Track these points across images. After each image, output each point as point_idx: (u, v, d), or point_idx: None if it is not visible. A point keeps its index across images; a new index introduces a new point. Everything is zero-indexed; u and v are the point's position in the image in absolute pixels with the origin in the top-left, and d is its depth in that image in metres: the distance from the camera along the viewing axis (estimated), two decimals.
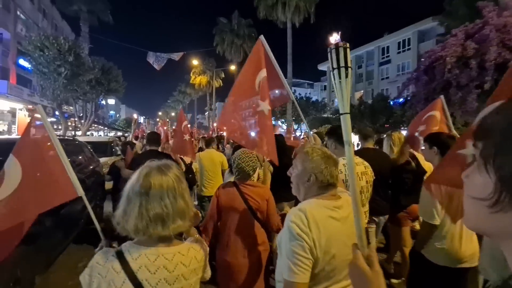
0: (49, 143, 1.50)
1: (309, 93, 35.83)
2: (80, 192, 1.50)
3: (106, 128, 32.05)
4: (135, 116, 10.89)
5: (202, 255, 1.10)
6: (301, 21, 18.58)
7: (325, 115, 27.82)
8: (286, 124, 28.78)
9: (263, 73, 2.19)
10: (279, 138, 3.28)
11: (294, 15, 17.94)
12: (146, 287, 0.93)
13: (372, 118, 21.37)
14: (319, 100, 32.10)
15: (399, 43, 32.87)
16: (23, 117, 9.87)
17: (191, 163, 4.61)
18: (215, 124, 15.54)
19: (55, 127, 18.13)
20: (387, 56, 34.42)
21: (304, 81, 52.83)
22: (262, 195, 2.08)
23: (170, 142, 5.42)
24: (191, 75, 33.31)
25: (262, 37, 2.29)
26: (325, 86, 42.18)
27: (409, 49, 31.47)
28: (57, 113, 14.70)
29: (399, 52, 32.86)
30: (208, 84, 33.10)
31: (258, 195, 2.06)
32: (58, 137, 1.67)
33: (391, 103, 21.93)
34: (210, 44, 26.68)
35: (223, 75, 32.91)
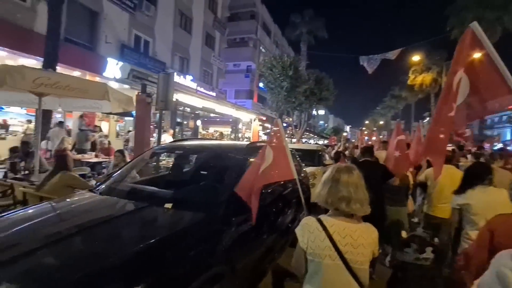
0: (283, 143, 2.44)
1: None
2: (295, 176, 2.39)
3: (315, 136, 34.62)
4: (344, 134, 10.06)
5: (377, 234, 1.39)
6: None
7: None
8: None
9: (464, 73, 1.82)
10: None
11: None
12: (339, 245, 1.29)
13: None
14: None
15: None
16: (255, 125, 12.30)
17: None
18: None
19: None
20: None
21: None
22: None
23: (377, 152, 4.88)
24: (410, 74, 27.97)
25: (475, 24, 1.78)
26: None
27: None
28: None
29: None
30: (433, 82, 26.26)
31: None
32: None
33: None
34: (436, 34, 20.62)
35: None
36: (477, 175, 2.51)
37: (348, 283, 1.29)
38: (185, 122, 16.78)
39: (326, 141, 28.68)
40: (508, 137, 38.59)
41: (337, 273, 1.29)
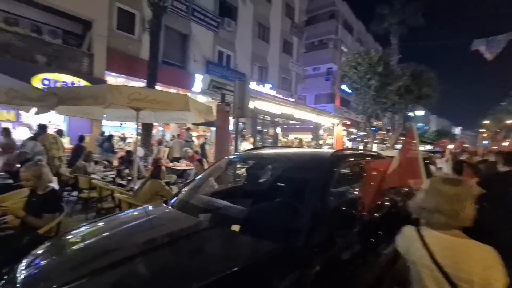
0: (415, 150, 2.21)
1: None
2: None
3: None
4: (458, 137, 7.85)
5: (491, 257, 1.15)
6: None
7: None
8: None
9: None
10: None
11: None
12: (435, 255, 1.22)
13: None
14: None
15: None
16: (339, 130, 11.05)
17: None
18: None
19: (365, 140, 19.29)
20: None
21: None
22: None
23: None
24: None
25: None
26: None
27: None
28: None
29: None
30: None
31: None
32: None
33: None
34: None
35: None
36: None
37: None
38: (265, 130, 16.95)
39: (428, 147, 24.22)
40: None
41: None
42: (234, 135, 9.71)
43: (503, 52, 14.81)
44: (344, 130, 15.25)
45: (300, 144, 13.32)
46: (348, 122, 21.61)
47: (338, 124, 11.21)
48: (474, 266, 1.13)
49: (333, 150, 3.04)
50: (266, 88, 16.36)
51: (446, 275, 1.17)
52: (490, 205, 2.45)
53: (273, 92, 16.63)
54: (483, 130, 41.03)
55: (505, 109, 35.16)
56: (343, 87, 18.53)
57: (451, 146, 9.17)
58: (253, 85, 14.89)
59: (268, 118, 15.53)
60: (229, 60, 15.21)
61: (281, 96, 16.84)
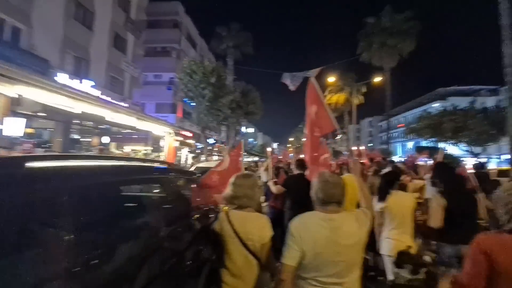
0: (240, 159, 3.95)
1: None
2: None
3: (245, 153, 33.83)
4: (269, 149, 9.33)
5: (263, 221, 1.92)
6: None
7: None
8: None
9: (314, 107, 3.30)
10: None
11: None
12: (234, 226, 1.83)
13: None
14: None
15: None
16: (171, 140, 9.99)
17: None
18: (353, 148, 13.60)
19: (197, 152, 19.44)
20: None
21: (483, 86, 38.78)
22: None
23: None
24: (327, 93, 30.40)
25: (313, 78, 3.51)
26: None
27: None
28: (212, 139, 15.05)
29: None
30: (346, 102, 29.04)
31: None
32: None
33: None
34: (351, 55, 22.94)
35: (364, 90, 28.05)
36: (390, 182, 3.09)
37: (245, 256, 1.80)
38: (88, 140, 13.19)
39: (255, 158, 28.14)
40: (400, 151, 46.40)
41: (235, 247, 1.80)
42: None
43: (302, 85, 19.38)
44: (182, 141, 14.44)
45: (101, 151, 10.77)
46: (190, 134, 21.33)
47: (171, 133, 10.12)
48: (254, 228, 1.82)
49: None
50: (86, 86, 12.87)
51: (239, 238, 1.78)
52: (288, 195, 4.07)
53: (97, 92, 13.33)
54: (290, 145, 54.10)
55: (301, 130, 48.65)
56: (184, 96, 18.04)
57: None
58: (63, 78, 11.21)
59: (91, 123, 12.12)
60: (17, 35, 10.68)
61: (109, 99, 13.77)
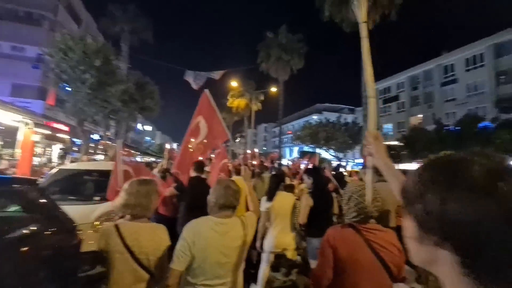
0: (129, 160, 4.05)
1: (346, 119, 32.98)
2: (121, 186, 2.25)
3: (140, 154, 30.50)
4: (167, 146, 8.55)
5: (161, 231, 1.75)
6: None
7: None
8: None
9: (202, 120, 3.45)
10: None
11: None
12: (126, 240, 1.61)
13: (457, 145, 16.82)
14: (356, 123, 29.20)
15: (467, 59, 28.44)
16: (28, 132, 7.36)
17: None
18: (248, 151, 14.49)
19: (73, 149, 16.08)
20: (451, 75, 29.91)
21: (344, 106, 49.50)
22: (392, 243, 1.58)
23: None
24: (229, 97, 31.19)
25: (207, 90, 3.48)
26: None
27: (482, 65, 26.92)
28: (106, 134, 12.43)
29: (468, 70, 28.30)
30: (246, 107, 30.66)
31: (388, 242, 1.57)
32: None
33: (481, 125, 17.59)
34: (252, 63, 24.48)
35: (262, 98, 30.41)
36: (277, 183, 3.43)
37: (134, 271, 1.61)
38: None
39: (152, 158, 25.78)
40: (288, 154, 53.27)
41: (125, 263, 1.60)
42: None
43: (205, 86, 19.12)
44: (49, 135, 11.28)
45: None
46: (65, 128, 17.19)
47: (28, 124, 7.46)
48: (149, 240, 1.64)
49: None
50: None
51: (132, 253, 1.57)
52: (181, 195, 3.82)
53: None
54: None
55: None
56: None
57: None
58: None
59: None
60: None
61: None
